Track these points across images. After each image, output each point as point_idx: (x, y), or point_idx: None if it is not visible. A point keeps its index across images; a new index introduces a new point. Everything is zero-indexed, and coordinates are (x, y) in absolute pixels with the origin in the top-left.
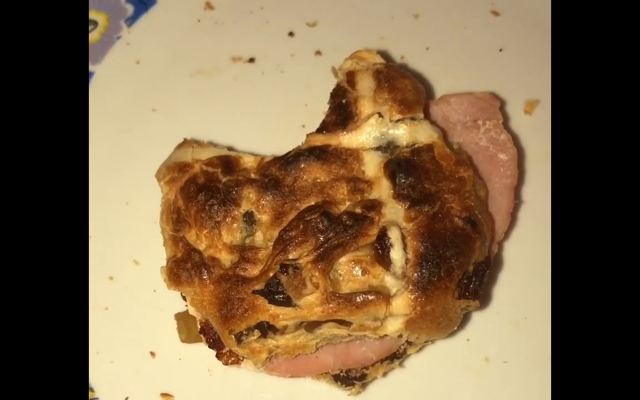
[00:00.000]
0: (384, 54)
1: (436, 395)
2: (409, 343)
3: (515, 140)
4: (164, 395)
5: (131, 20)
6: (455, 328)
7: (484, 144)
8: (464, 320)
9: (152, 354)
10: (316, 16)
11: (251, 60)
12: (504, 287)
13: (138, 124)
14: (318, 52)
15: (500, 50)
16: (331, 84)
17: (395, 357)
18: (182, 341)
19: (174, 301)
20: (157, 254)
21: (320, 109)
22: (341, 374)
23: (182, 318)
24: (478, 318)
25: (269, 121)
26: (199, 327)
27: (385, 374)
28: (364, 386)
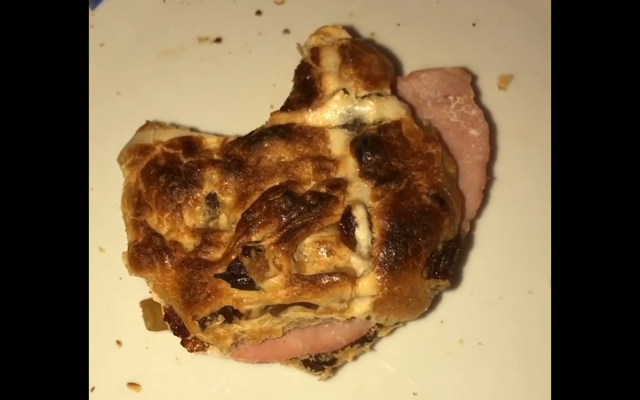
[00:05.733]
0: (352, 31)
1: (409, 379)
2: (379, 325)
3: (488, 115)
4: (131, 384)
5: (95, 1)
6: (426, 309)
7: (454, 120)
8: (437, 301)
9: (119, 342)
10: None
11: (218, 40)
12: (477, 267)
13: (102, 108)
14: (286, 31)
15: (474, 24)
16: None
17: (365, 340)
18: (148, 329)
19: (140, 288)
20: (123, 241)
21: (288, 89)
22: (311, 359)
23: (148, 305)
24: (451, 299)
25: (237, 102)
26: (164, 313)
27: (355, 358)
28: (334, 371)
